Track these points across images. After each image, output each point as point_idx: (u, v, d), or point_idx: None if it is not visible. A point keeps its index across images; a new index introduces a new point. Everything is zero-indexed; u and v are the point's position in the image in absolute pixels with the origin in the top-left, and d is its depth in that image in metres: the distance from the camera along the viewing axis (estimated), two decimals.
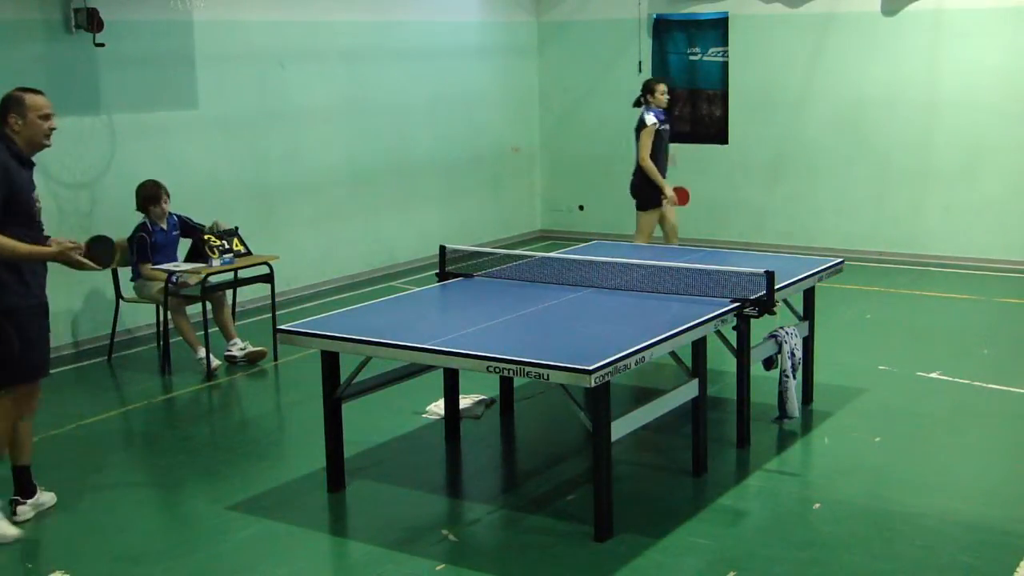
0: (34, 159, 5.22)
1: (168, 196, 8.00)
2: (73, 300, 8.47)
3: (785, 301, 6.53)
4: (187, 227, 8.12)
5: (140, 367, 8.15)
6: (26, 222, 5.09)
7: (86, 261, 5.18)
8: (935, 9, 10.94)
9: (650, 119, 9.25)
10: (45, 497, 5.51)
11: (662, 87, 9.42)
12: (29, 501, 5.41)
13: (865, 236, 11.56)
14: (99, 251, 5.29)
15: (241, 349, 8.08)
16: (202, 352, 7.83)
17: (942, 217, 11.22)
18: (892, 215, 11.46)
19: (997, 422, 6.62)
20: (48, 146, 5.22)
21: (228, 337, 8.12)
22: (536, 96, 13.27)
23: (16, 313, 5.08)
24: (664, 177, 9.35)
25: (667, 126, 9.43)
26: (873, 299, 9.74)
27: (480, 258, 6.86)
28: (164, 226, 8.00)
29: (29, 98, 5.12)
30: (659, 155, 9.31)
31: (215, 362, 7.84)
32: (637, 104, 9.52)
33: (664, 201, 9.31)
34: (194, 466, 6.19)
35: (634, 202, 9.48)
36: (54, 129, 5.19)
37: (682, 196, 9.43)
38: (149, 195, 7.94)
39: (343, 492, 5.66)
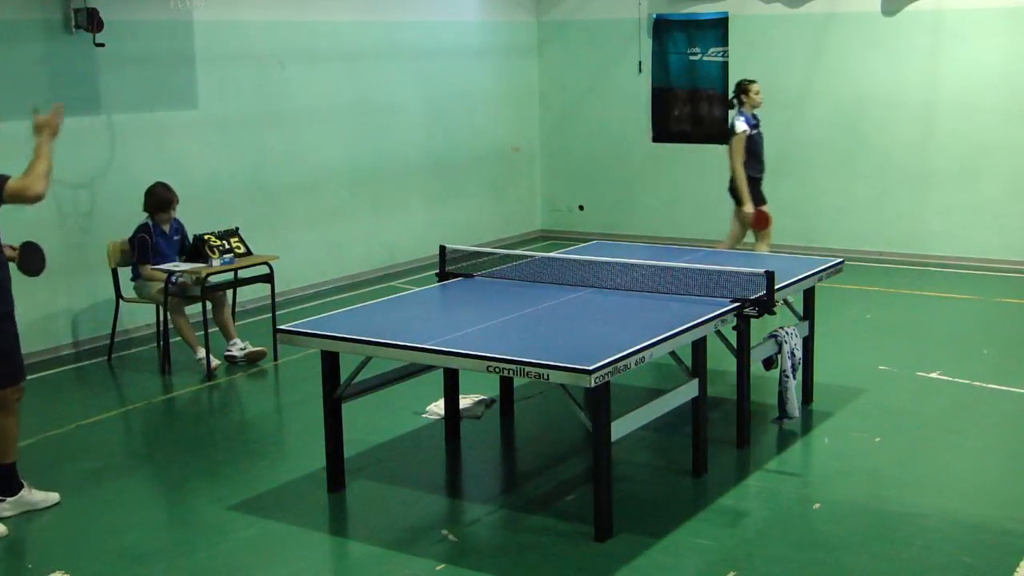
0: None
1: (178, 202, 8.01)
2: (73, 300, 8.48)
3: (785, 301, 6.53)
4: (185, 237, 8.12)
5: (140, 367, 8.16)
6: None
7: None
8: (935, 9, 10.94)
9: (740, 126, 9.01)
10: (36, 496, 5.51)
11: (757, 87, 9.19)
12: (10, 499, 5.42)
13: (865, 236, 11.56)
14: (30, 255, 5.36)
15: (241, 349, 8.08)
16: (202, 352, 7.83)
17: (942, 217, 11.22)
18: (892, 215, 11.46)
19: (997, 422, 6.62)
20: None
21: (228, 337, 8.13)
22: (536, 96, 13.27)
23: None
24: (761, 177, 9.19)
25: (758, 130, 9.16)
26: (873, 299, 9.74)
27: (480, 258, 6.86)
28: (166, 229, 8.00)
29: None
30: (755, 160, 9.11)
31: (215, 362, 7.84)
32: (730, 105, 9.36)
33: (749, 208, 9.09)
34: (194, 466, 6.19)
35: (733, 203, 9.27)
36: None
37: (761, 220, 9.13)
38: (159, 202, 7.93)
39: (343, 492, 5.66)
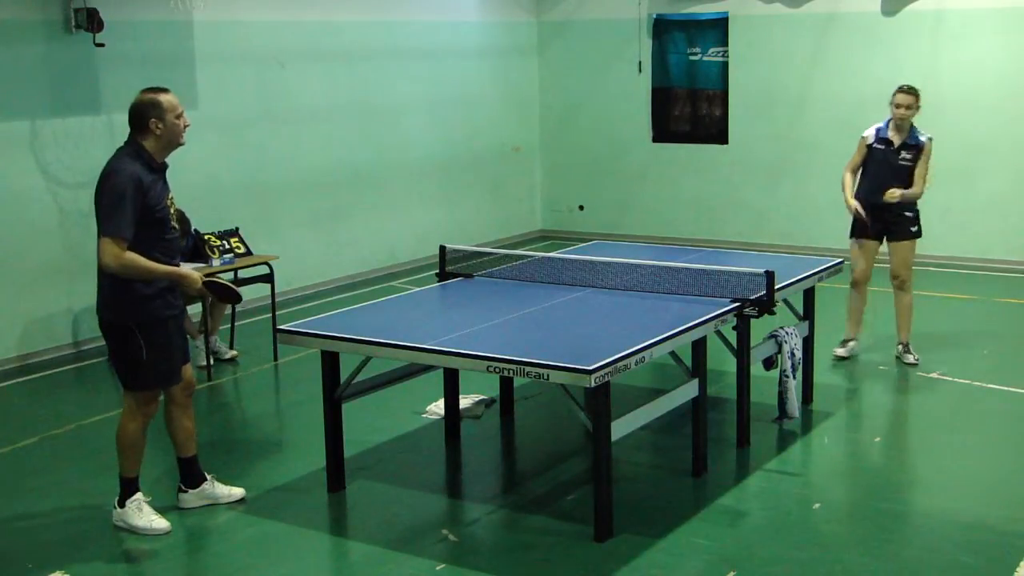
0: (166, 161, 5.22)
1: (187, 229, 7.92)
2: (73, 300, 8.47)
3: (785, 301, 6.53)
4: (197, 245, 8.07)
5: None
6: (161, 230, 5.09)
7: (206, 292, 5.30)
8: (935, 9, 10.94)
9: (866, 131, 7.75)
10: (220, 490, 5.52)
11: (899, 97, 7.52)
12: (192, 491, 5.46)
13: None
14: (220, 292, 5.42)
15: (214, 352, 8.04)
16: (200, 341, 7.87)
17: (942, 217, 11.21)
18: None
19: (997, 422, 6.62)
20: (183, 144, 5.19)
21: (210, 332, 8.09)
22: (536, 96, 13.27)
23: (147, 325, 5.07)
24: (871, 200, 7.70)
25: (883, 146, 7.62)
26: (873, 299, 9.72)
27: (480, 258, 6.86)
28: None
29: (164, 99, 5.09)
30: (869, 176, 7.73)
31: (207, 359, 7.86)
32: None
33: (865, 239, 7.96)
34: None
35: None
36: (188, 126, 5.18)
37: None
38: None
39: (343, 492, 5.66)
